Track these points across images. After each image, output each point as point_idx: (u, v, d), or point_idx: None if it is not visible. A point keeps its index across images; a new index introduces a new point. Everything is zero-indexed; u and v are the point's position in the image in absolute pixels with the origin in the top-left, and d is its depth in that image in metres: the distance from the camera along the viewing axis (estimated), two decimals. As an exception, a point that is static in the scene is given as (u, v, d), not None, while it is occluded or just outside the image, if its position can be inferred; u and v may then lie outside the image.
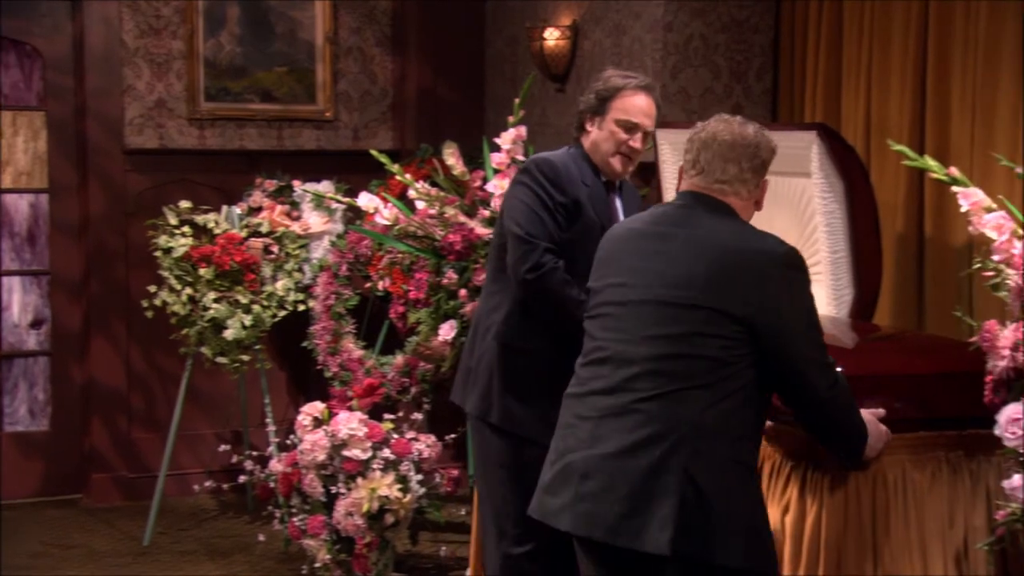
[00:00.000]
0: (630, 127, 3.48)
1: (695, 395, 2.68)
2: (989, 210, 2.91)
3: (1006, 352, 2.80)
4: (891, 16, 4.43)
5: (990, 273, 2.94)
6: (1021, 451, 2.73)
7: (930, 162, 3.04)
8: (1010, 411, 2.73)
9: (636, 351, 2.75)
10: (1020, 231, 2.88)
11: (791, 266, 2.74)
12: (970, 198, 2.93)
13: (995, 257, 2.90)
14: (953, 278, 4.11)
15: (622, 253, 2.90)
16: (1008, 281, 2.86)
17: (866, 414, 2.95)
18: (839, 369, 2.85)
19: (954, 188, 2.98)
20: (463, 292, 4.37)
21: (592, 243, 3.41)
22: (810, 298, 2.77)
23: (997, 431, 2.76)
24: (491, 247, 3.64)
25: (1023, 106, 3.87)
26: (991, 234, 2.88)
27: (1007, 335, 2.81)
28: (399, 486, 4.38)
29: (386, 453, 4.42)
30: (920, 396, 3.16)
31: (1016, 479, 2.75)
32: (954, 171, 3.01)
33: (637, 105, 3.49)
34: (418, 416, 4.85)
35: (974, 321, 3.02)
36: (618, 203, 3.57)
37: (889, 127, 4.40)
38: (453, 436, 4.95)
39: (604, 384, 2.79)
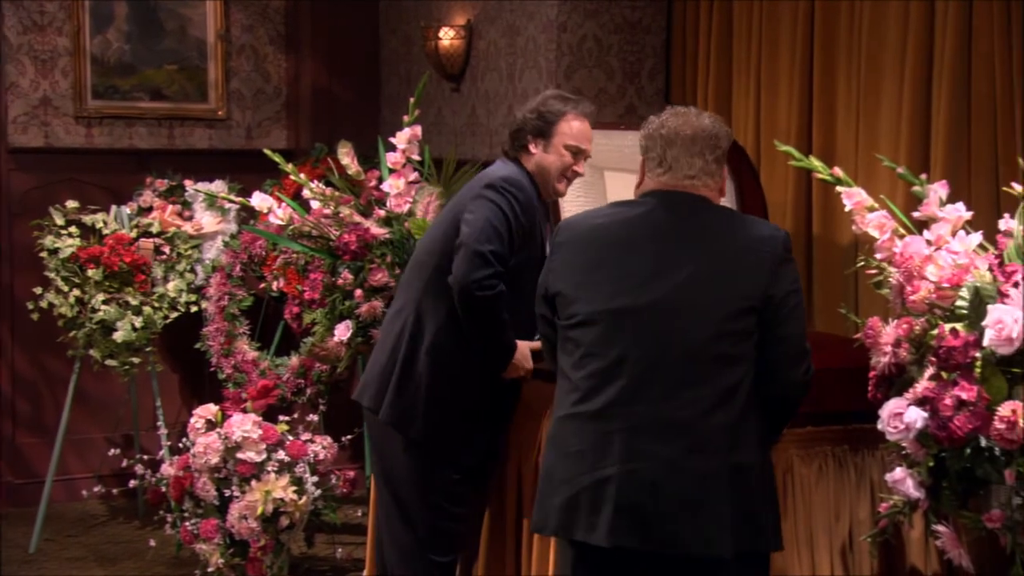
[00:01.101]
0: (577, 152, 3.51)
1: (727, 400, 2.69)
2: (872, 209, 2.97)
3: (888, 348, 2.86)
4: (779, 19, 4.51)
5: (873, 271, 3.00)
6: (903, 445, 2.79)
7: (815, 162, 3.09)
8: (892, 406, 2.79)
9: (656, 358, 2.72)
10: (901, 230, 2.95)
11: (789, 249, 2.81)
12: (853, 198, 2.99)
13: (878, 255, 2.95)
14: (839, 276, 4.20)
15: (599, 258, 2.82)
16: (890, 279, 2.93)
17: None
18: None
19: (838, 188, 3.04)
20: (359, 292, 4.34)
21: (530, 268, 3.34)
22: (799, 281, 2.83)
23: (880, 425, 2.82)
24: (431, 255, 3.53)
25: (904, 108, 3.98)
26: (874, 233, 2.94)
27: (889, 332, 2.87)
28: (294, 488, 4.34)
29: (281, 455, 4.38)
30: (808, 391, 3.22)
31: (898, 472, 2.82)
32: (838, 171, 3.06)
33: (583, 131, 3.51)
34: (314, 417, 4.82)
35: (859, 318, 3.09)
36: (549, 229, 3.56)
37: (778, 128, 4.48)
38: (349, 437, 4.92)
39: (625, 395, 2.72)
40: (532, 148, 3.51)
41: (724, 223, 2.82)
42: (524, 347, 3.46)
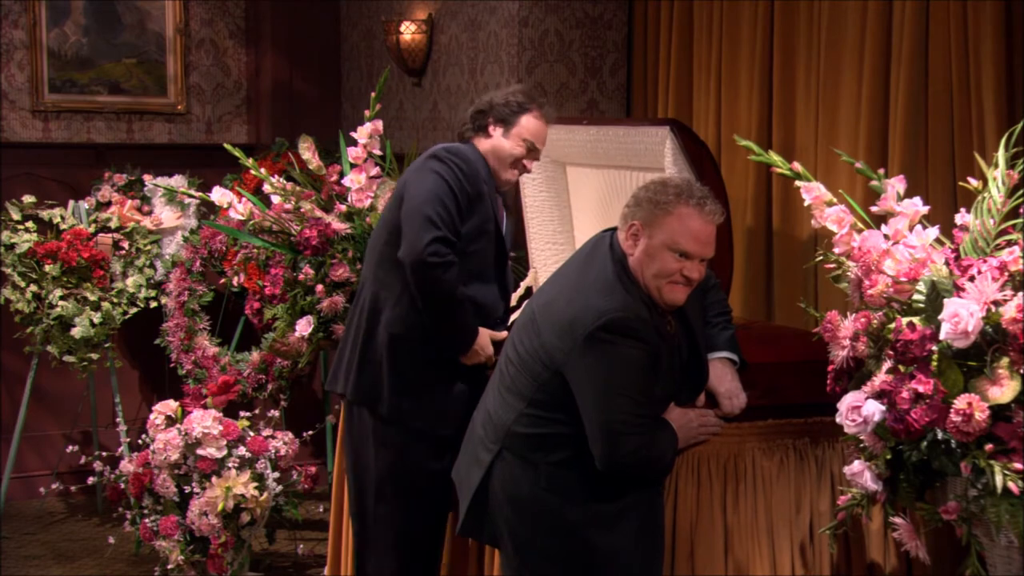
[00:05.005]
0: (531, 148, 3.57)
1: (515, 405, 2.93)
2: (830, 204, 2.98)
3: (846, 342, 2.88)
4: (739, 16, 4.53)
5: (832, 265, 3.02)
6: (861, 437, 2.81)
7: (775, 157, 3.10)
8: (850, 399, 2.80)
9: (509, 349, 3.04)
10: (859, 224, 2.97)
11: (607, 329, 2.80)
12: (812, 192, 3.00)
13: (836, 249, 2.97)
14: (799, 270, 4.22)
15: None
16: (848, 273, 2.95)
17: (679, 414, 3.03)
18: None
19: (797, 183, 3.05)
20: (320, 288, 4.32)
21: (485, 238, 3.47)
22: (619, 364, 2.82)
23: (839, 418, 2.84)
24: (381, 231, 3.55)
25: (863, 104, 4.00)
26: (832, 227, 2.95)
27: (847, 325, 2.89)
28: (255, 484, 4.32)
29: (241, 451, 4.36)
30: (769, 385, 3.24)
31: (856, 465, 2.83)
32: (797, 166, 3.07)
33: (541, 130, 3.58)
34: (275, 413, 4.80)
35: (817, 312, 3.10)
36: (502, 208, 3.64)
37: (739, 123, 4.50)
38: (311, 433, 4.90)
39: (495, 380, 3.09)
40: (491, 131, 3.55)
41: (584, 282, 2.92)
42: (485, 334, 3.47)
